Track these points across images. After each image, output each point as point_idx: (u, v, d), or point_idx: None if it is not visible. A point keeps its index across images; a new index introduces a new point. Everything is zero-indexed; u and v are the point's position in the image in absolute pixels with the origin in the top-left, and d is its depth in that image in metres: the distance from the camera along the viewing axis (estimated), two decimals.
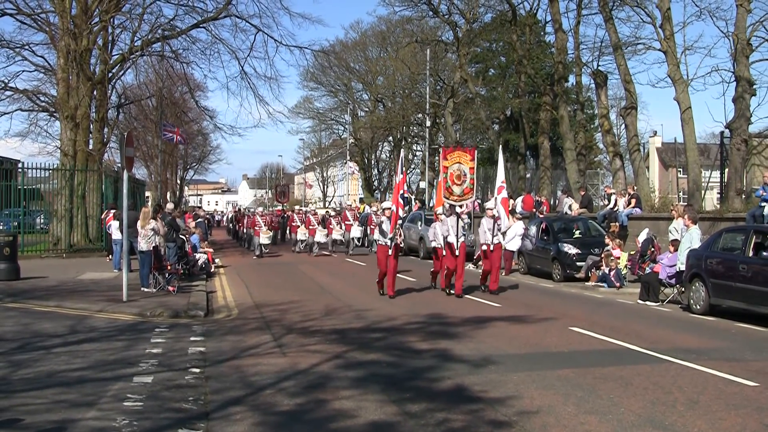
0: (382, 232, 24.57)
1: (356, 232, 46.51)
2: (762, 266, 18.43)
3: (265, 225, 42.47)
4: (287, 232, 51.50)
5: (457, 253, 24.09)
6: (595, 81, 45.90)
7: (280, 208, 66.99)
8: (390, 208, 24.93)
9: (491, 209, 25.62)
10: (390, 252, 24.10)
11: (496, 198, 26.24)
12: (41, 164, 39.55)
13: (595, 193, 48.36)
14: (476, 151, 27.34)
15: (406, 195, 26.75)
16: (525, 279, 29.31)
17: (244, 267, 35.48)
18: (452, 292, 24.20)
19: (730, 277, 19.29)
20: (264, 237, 41.81)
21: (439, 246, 25.14)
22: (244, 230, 51.05)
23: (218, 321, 19.06)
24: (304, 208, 52.86)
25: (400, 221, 25.81)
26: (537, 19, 56.21)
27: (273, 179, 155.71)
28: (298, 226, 44.44)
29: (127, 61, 42.97)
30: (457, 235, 24.25)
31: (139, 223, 23.43)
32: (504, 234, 26.72)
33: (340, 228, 45.00)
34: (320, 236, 43.42)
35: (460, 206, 25.17)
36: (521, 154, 59.89)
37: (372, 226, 42.77)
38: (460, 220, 24.52)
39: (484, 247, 25.26)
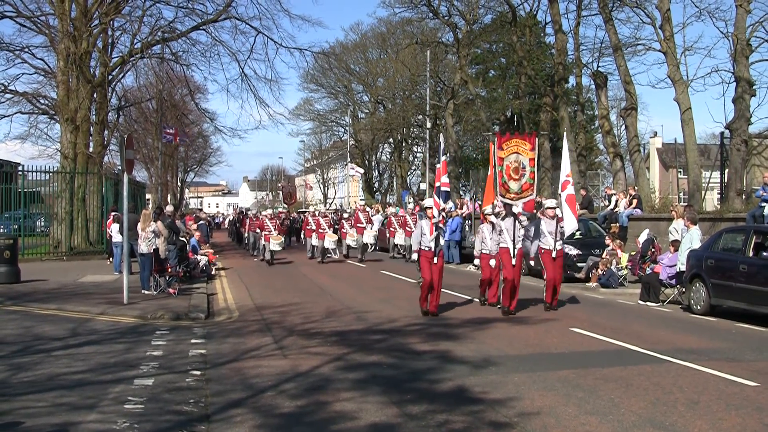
0: (424, 236, 20.33)
1: (369, 237, 40.36)
2: (762, 266, 18.44)
3: (275, 229, 38.46)
4: (301, 236, 49.68)
5: (513, 262, 20.43)
6: (595, 82, 45.93)
7: (281, 209, 65.56)
8: (432, 207, 20.60)
9: (552, 208, 21.76)
10: (435, 260, 20.17)
11: (559, 195, 22.44)
12: (41, 167, 39.65)
13: (596, 194, 48.38)
14: (537, 139, 22.93)
15: (444, 189, 21.39)
16: (526, 280, 29.21)
17: (244, 269, 35.46)
18: (508, 309, 20.37)
19: (731, 278, 19.31)
20: (275, 243, 37.51)
21: (487, 252, 21.70)
22: (248, 233, 46.88)
23: (219, 323, 19.07)
24: (318, 210, 49.28)
25: (437, 219, 21.14)
26: (537, 21, 56.24)
27: (273, 181, 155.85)
28: (314, 230, 40.34)
29: (127, 64, 42.92)
30: (514, 240, 20.55)
31: (139, 226, 23.45)
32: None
33: (354, 232, 40.45)
34: (329, 242, 39.48)
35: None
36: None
37: (392, 229, 41.47)
38: (517, 222, 20.76)
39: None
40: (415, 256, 22.34)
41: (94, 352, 14.52)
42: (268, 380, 12.28)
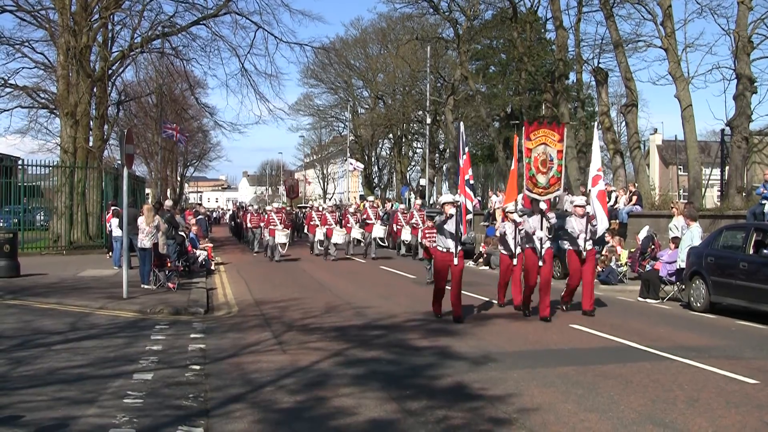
0: (445, 234, 18.65)
1: (379, 231, 39.09)
2: (762, 264, 18.46)
3: (281, 224, 37.54)
4: (304, 230, 47.86)
5: (541, 262, 19.11)
6: (595, 78, 45.85)
7: (281, 205, 64.08)
8: (454, 202, 18.78)
9: (582, 206, 20.02)
10: (455, 261, 18.59)
11: (589, 191, 20.72)
12: (41, 161, 39.93)
13: None
14: (566, 129, 21.57)
15: (473, 181, 20.57)
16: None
17: (243, 264, 35.47)
18: (534, 313, 19.20)
19: (731, 275, 19.33)
20: (281, 235, 36.86)
21: (507, 253, 20.51)
22: (250, 229, 45.16)
23: (218, 318, 19.08)
24: (323, 205, 47.41)
25: (470, 216, 20.43)
26: (537, 17, 56.15)
27: (273, 176, 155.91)
28: (317, 226, 39.07)
29: (127, 58, 42.99)
30: (541, 240, 19.14)
31: (143, 220, 23.43)
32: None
33: (360, 227, 39.25)
34: (338, 237, 38.24)
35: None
36: (521, 152, 59.77)
37: (399, 226, 39.41)
38: (545, 220, 19.32)
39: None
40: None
41: (93, 347, 14.50)
42: (268, 375, 12.27)
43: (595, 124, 27.71)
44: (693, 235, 22.07)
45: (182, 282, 24.66)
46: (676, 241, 23.13)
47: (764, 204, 24.40)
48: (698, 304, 20.37)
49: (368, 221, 39.31)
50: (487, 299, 22.36)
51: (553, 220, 19.67)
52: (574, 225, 19.81)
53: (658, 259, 23.82)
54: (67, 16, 37.26)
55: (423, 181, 66.38)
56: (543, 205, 19.49)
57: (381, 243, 40.54)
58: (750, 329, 17.82)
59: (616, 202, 32.98)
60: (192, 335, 16.17)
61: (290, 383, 11.76)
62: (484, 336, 16.27)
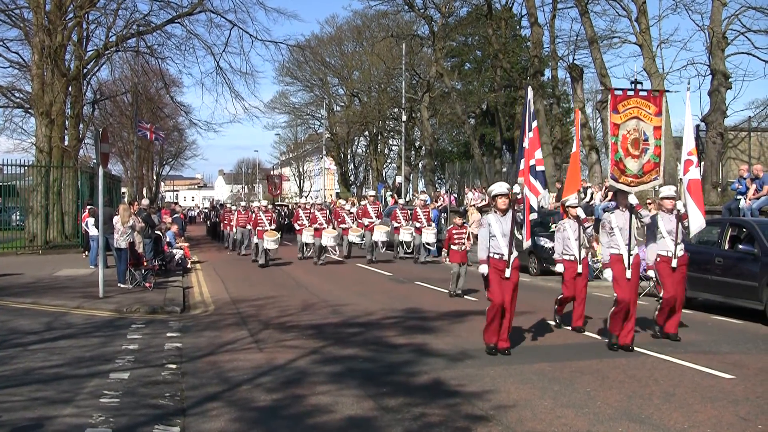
0: (496, 236, 14.04)
1: (381, 234, 34.72)
2: (738, 259, 18.56)
3: (270, 224, 33.53)
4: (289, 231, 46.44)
5: (628, 275, 14.73)
6: (570, 75, 46.09)
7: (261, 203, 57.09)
8: (508, 195, 14.17)
9: (671, 198, 15.99)
10: (507, 273, 13.93)
11: (681, 180, 16.74)
12: (16, 161, 39.60)
13: None
14: (664, 98, 16.10)
15: (540, 168, 14.86)
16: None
17: (220, 263, 35.40)
18: (617, 340, 14.68)
19: (706, 270, 19.42)
20: (269, 240, 32.61)
21: (572, 258, 17.14)
22: (235, 229, 41.26)
23: (195, 317, 19.04)
24: (309, 201, 43.52)
25: (534, 215, 14.77)
26: (512, 13, 56.41)
27: (249, 174, 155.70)
28: (304, 226, 35.29)
29: (102, 57, 42.74)
30: (629, 245, 14.82)
31: (119, 219, 23.36)
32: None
33: (357, 227, 35.66)
34: (328, 239, 34.29)
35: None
36: (497, 148, 60.00)
37: (398, 224, 35.31)
38: (635, 218, 15.14)
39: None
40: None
41: (69, 346, 14.46)
42: (244, 374, 12.27)
43: (688, 93, 18.27)
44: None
45: (158, 281, 24.62)
46: None
47: (739, 199, 24.58)
48: None
49: (369, 221, 35.21)
50: (465, 297, 22.38)
51: (647, 219, 15.29)
52: (662, 224, 15.99)
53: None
54: (42, 15, 37.13)
55: (399, 179, 66.40)
56: (633, 200, 14.95)
57: (383, 246, 35.85)
58: (726, 324, 17.91)
59: (591, 198, 33.11)
60: (168, 334, 16.13)
61: (267, 381, 11.75)
62: (460, 333, 16.30)
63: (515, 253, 14.02)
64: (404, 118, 64.08)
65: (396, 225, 35.60)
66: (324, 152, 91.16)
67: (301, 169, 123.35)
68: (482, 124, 64.85)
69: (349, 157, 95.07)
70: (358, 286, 25.19)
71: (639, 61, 37.07)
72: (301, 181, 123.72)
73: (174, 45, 46.11)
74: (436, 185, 65.77)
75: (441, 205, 40.93)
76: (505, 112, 59.55)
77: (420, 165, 74.33)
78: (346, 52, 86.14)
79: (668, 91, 18.90)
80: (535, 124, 15.05)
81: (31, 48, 38.62)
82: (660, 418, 9.88)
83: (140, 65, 47.42)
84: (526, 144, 14.63)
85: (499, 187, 14.25)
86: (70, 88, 39.95)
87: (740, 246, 18.71)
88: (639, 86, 15.16)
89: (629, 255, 14.70)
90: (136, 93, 55.14)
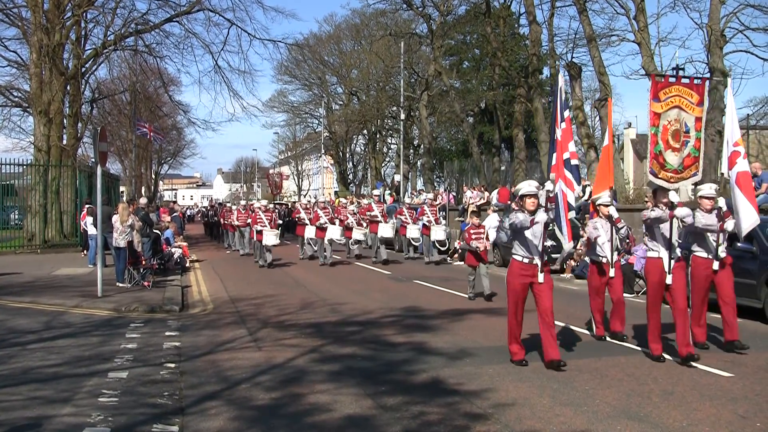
0: (526, 239, 12.91)
1: (387, 231, 33.94)
2: (736, 257, 18.52)
3: (270, 223, 32.13)
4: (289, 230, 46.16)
5: (668, 280, 13.54)
6: (569, 73, 45.98)
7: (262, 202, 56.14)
8: (540, 192, 13.27)
9: (710, 198, 14.53)
10: (540, 278, 12.90)
11: (728, 175, 15.11)
12: (15, 160, 39.54)
13: None
14: (707, 86, 14.67)
15: (574, 161, 14.07)
16: (500, 271, 29.21)
17: (219, 261, 35.38)
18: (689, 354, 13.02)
19: None
20: (271, 236, 31.52)
21: (603, 260, 16.08)
22: (238, 228, 40.15)
23: (193, 316, 19.03)
24: (311, 199, 42.71)
25: (573, 214, 14.69)
26: (511, 12, 56.28)
27: (248, 173, 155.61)
28: (306, 225, 33.94)
29: (101, 56, 42.75)
30: (669, 248, 13.63)
31: (118, 218, 23.34)
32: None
33: (361, 226, 34.78)
34: (334, 231, 33.31)
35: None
36: (496, 147, 59.95)
37: (405, 223, 34.42)
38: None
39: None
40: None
41: (68, 345, 14.46)
42: (243, 372, 12.27)
43: (729, 80, 17.65)
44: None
45: (157, 280, 24.61)
46: None
47: None
48: None
49: (374, 218, 34.21)
50: (462, 295, 22.35)
51: (688, 219, 13.79)
52: (703, 222, 14.36)
53: (632, 253, 23.84)
54: (40, 14, 37.09)
55: (398, 177, 66.33)
56: (674, 197, 13.56)
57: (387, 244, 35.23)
58: None
59: (590, 196, 33.07)
60: (167, 333, 16.13)
61: (266, 380, 11.75)
62: (459, 331, 16.29)
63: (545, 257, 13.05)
64: (403, 116, 64.10)
65: (403, 222, 34.68)
66: (322, 151, 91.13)
67: (299, 168, 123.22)
68: (481, 122, 64.77)
69: (347, 155, 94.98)
70: (357, 285, 25.17)
71: (637, 59, 37.21)
72: (300, 180, 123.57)
73: (172, 44, 46.14)
74: (435, 184, 65.70)
75: (440, 203, 40.81)
76: (504, 111, 59.52)
77: (418, 163, 74.31)
78: (344, 50, 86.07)
79: (709, 78, 17.92)
80: (567, 113, 14.20)
81: (30, 47, 38.59)
82: (659, 416, 9.88)
83: (138, 64, 47.45)
84: (558, 135, 13.85)
85: (528, 186, 13.16)
86: (68, 87, 39.91)
87: (738, 244, 18.65)
88: (681, 72, 14.07)
89: (670, 257, 13.57)
90: (135, 92, 55.18)
